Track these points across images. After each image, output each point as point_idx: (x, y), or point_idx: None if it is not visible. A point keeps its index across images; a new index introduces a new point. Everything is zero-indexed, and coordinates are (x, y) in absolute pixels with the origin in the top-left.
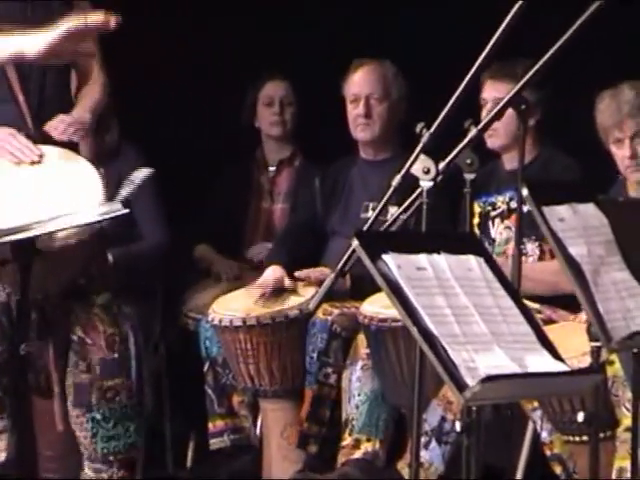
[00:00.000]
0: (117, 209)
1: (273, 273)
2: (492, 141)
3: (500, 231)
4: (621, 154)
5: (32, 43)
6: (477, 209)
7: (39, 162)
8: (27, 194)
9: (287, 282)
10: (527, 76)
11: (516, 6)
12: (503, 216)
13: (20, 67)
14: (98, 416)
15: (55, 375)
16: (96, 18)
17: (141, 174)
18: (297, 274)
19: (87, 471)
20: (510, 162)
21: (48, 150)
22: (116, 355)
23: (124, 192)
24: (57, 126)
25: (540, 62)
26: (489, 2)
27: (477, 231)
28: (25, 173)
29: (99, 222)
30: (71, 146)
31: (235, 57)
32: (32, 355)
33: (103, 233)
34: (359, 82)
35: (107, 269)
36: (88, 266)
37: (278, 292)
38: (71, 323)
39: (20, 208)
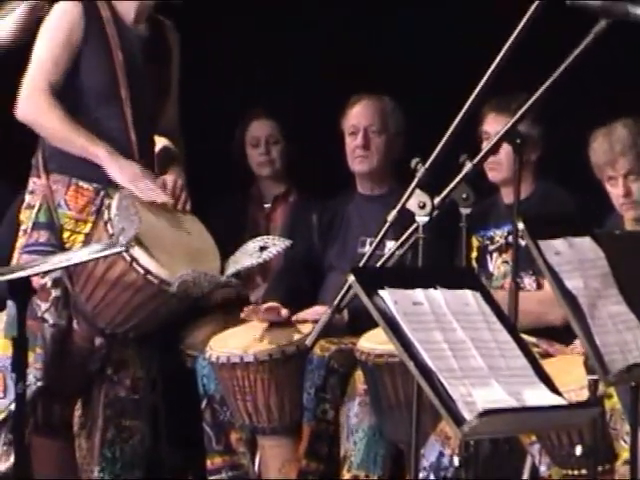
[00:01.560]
0: (117, 250)
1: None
2: (494, 175)
3: (498, 265)
4: (615, 192)
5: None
6: (475, 243)
7: (165, 205)
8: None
9: (284, 312)
10: (521, 110)
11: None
12: (501, 250)
13: (135, 102)
14: (109, 454)
15: (102, 410)
16: None
17: (281, 244)
18: (294, 318)
19: None
20: (509, 196)
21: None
22: (137, 397)
23: (261, 258)
24: (174, 191)
25: (534, 96)
26: (487, 3)
27: (475, 265)
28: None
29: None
30: None
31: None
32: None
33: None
34: (358, 115)
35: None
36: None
37: (277, 325)
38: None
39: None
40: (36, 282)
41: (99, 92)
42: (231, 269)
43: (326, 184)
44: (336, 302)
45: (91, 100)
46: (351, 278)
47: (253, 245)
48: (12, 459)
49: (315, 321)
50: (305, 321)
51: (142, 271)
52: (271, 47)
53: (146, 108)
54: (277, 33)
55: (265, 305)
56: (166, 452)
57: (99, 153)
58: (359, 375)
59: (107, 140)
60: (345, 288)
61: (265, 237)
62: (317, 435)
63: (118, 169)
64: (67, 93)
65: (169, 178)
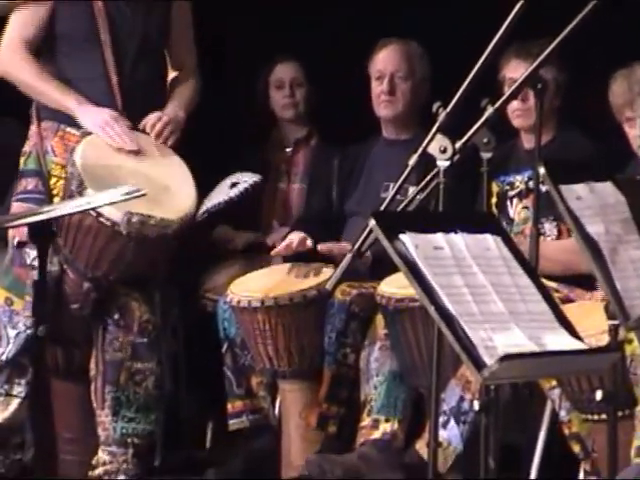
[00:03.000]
0: (137, 191)
1: (296, 234)
2: (521, 121)
3: (518, 211)
4: (633, 133)
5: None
6: (495, 189)
7: (137, 152)
8: (130, 178)
9: (309, 243)
10: (542, 56)
11: None
12: (521, 196)
13: (118, 49)
14: (123, 397)
15: (101, 354)
16: None
17: (249, 179)
18: (319, 247)
19: (101, 455)
20: (530, 142)
21: (146, 140)
22: (146, 340)
23: (233, 193)
24: (154, 123)
25: (556, 41)
26: (492, 2)
27: (495, 211)
28: (130, 164)
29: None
30: None
31: (251, 39)
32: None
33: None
34: (384, 60)
35: (165, 261)
36: (156, 257)
37: (298, 268)
38: (110, 306)
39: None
40: (23, 231)
41: (77, 38)
42: (202, 208)
43: (348, 128)
44: (357, 246)
45: (70, 46)
46: (372, 222)
47: (225, 183)
48: (11, 409)
49: (340, 257)
50: (331, 251)
51: (94, 214)
52: (288, 27)
53: (137, 49)
54: (294, 14)
55: (290, 239)
56: (186, 397)
57: (69, 104)
58: (380, 319)
59: (87, 85)
60: (366, 232)
61: (238, 174)
62: (337, 379)
63: (87, 117)
64: (46, 41)
65: (152, 116)
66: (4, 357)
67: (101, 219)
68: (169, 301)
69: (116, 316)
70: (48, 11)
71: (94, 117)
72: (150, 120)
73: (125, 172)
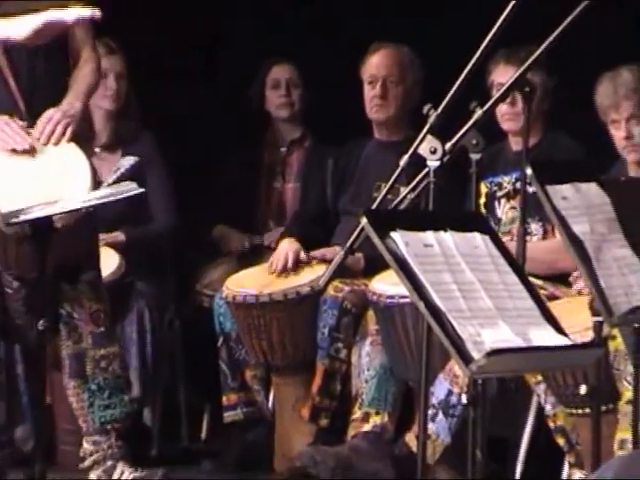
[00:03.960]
0: (132, 188)
1: (289, 246)
2: (511, 124)
3: (506, 211)
4: (618, 135)
5: (17, 28)
6: (484, 189)
7: (31, 151)
8: (23, 179)
9: (302, 255)
10: (530, 60)
11: None
12: (509, 196)
13: (9, 53)
14: (94, 386)
15: (65, 349)
16: (75, 11)
17: (127, 162)
18: (312, 253)
19: (86, 446)
20: (517, 144)
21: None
22: (102, 329)
23: (111, 179)
24: (44, 128)
25: (543, 46)
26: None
27: (484, 210)
28: (21, 160)
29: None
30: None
31: (245, 40)
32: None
33: (89, 218)
34: (377, 64)
35: (93, 250)
36: (76, 247)
37: (294, 266)
38: (60, 299)
39: (18, 192)
40: None
41: None
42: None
43: (342, 130)
44: (349, 244)
45: None
46: (364, 220)
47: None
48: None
49: (330, 260)
50: (324, 256)
51: None
52: (283, 29)
53: (29, 51)
54: (289, 16)
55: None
56: (183, 389)
57: None
58: (371, 315)
59: None
60: (358, 230)
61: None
62: (330, 373)
63: None
64: None
65: (41, 118)
66: None
67: None
68: (166, 296)
69: (68, 309)
70: None
71: None
72: (39, 124)
73: (19, 171)
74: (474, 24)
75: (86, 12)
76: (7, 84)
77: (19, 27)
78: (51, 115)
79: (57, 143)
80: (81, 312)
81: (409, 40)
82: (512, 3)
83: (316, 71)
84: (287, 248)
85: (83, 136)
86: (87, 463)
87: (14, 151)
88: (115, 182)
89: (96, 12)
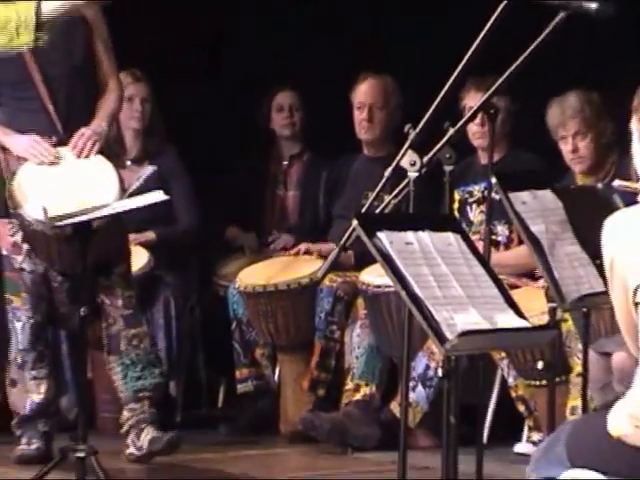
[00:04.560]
0: (159, 196)
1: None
2: (480, 142)
3: (476, 215)
4: (566, 149)
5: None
6: (457, 196)
7: (57, 163)
8: (61, 188)
9: (303, 248)
10: (493, 87)
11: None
12: (479, 202)
13: (50, 83)
14: (127, 361)
15: (104, 330)
16: None
17: (146, 172)
18: (312, 247)
19: (125, 414)
20: (485, 158)
21: (66, 151)
22: (132, 311)
23: (134, 186)
24: (76, 144)
25: (504, 75)
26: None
27: (457, 215)
28: (59, 171)
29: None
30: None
31: (249, 38)
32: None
33: (119, 220)
34: (364, 92)
35: (123, 246)
36: (109, 245)
37: (294, 261)
38: (97, 290)
39: (58, 199)
40: (8, 242)
41: (10, 81)
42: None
43: (335, 146)
44: (342, 242)
45: (6, 89)
46: (354, 222)
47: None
48: (42, 389)
49: (327, 255)
50: (320, 251)
51: (27, 224)
52: (289, 62)
53: (67, 81)
54: (294, 49)
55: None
56: (202, 365)
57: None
58: (360, 302)
59: (30, 118)
60: (350, 231)
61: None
62: (326, 351)
63: (14, 144)
64: None
65: (75, 136)
66: (20, 346)
67: (32, 227)
68: (189, 287)
69: (103, 297)
70: None
71: (18, 142)
72: (73, 141)
73: (52, 182)
74: (478, 22)
75: None
76: (47, 110)
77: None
78: (82, 133)
79: (87, 156)
80: (114, 299)
81: (412, 38)
82: (475, 44)
83: (315, 96)
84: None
85: (114, 152)
86: (125, 428)
87: (45, 164)
88: (137, 188)
89: None
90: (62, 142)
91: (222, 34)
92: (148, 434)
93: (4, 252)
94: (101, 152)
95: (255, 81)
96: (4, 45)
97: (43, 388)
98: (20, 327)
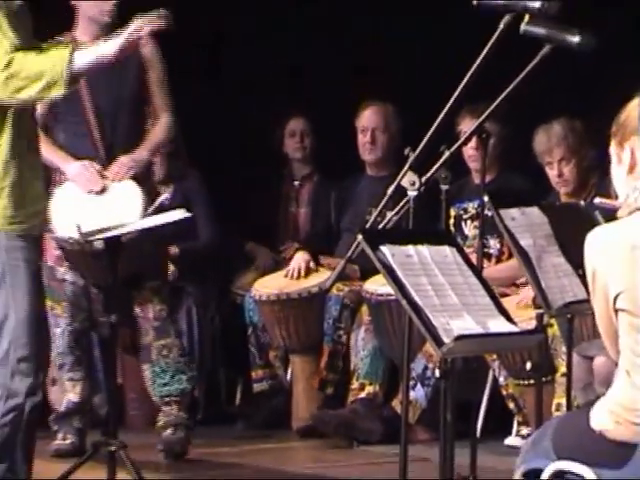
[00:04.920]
0: (180, 214)
1: (302, 257)
2: (474, 164)
3: (470, 229)
4: (552, 173)
5: (106, 48)
6: (453, 212)
7: (103, 189)
8: (94, 207)
9: (312, 264)
10: (484, 115)
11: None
12: (473, 218)
13: (97, 111)
14: (157, 369)
15: (140, 339)
16: (151, 19)
17: (162, 197)
18: (322, 261)
19: (159, 414)
20: (479, 178)
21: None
22: (161, 323)
23: (151, 208)
24: (113, 169)
25: (495, 103)
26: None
27: (453, 229)
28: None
29: (168, 224)
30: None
31: (249, 38)
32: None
33: (150, 238)
34: (367, 118)
35: (158, 263)
36: (138, 260)
37: (306, 272)
38: (131, 301)
39: (92, 217)
40: (52, 254)
41: (63, 106)
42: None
43: (342, 167)
44: (348, 255)
45: (64, 111)
46: (360, 237)
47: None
48: (77, 390)
49: (334, 267)
50: (329, 265)
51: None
52: (299, 91)
53: (113, 110)
54: (305, 80)
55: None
56: (220, 367)
57: (55, 161)
58: (365, 309)
59: (76, 142)
60: (355, 244)
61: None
62: (334, 354)
63: (67, 169)
64: (49, 115)
65: (117, 161)
66: (59, 350)
67: (65, 244)
68: (209, 297)
69: (137, 310)
70: None
71: (70, 169)
72: (113, 167)
73: (82, 203)
74: (478, 22)
75: (160, 17)
76: (93, 137)
77: (107, 47)
78: (120, 160)
79: (120, 180)
80: (146, 311)
81: (412, 38)
82: (468, 74)
83: (324, 122)
84: (300, 259)
85: (145, 176)
86: (160, 424)
87: (92, 192)
88: (154, 210)
89: (167, 14)
90: (104, 167)
91: (222, 34)
92: (167, 434)
93: (49, 263)
94: (134, 177)
95: (255, 81)
96: (35, 96)
97: (78, 389)
98: (59, 332)
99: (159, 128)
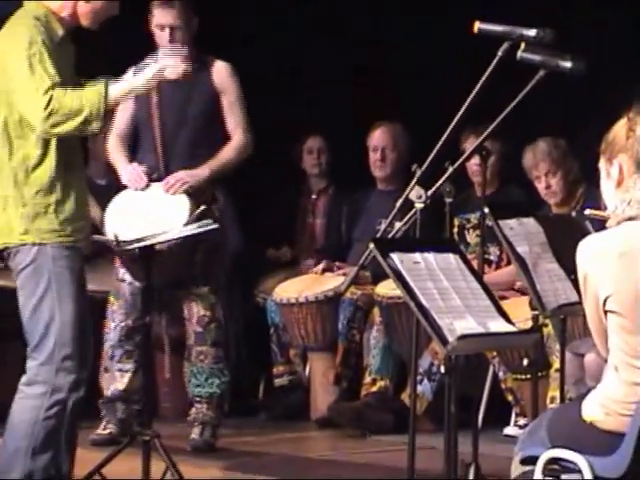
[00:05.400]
0: (210, 224)
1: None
2: (477, 178)
3: (473, 238)
4: (540, 186)
5: (137, 82)
6: (457, 222)
7: (143, 189)
8: (139, 217)
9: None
10: (483, 135)
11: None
12: (475, 227)
13: (162, 127)
14: (195, 370)
15: (166, 338)
16: (176, 62)
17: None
18: (337, 267)
19: (192, 411)
20: (480, 191)
21: (158, 186)
22: (201, 329)
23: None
24: (168, 181)
25: (493, 125)
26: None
27: (457, 238)
28: (134, 203)
29: (198, 234)
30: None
31: (257, 72)
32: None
33: (190, 245)
34: (377, 137)
35: (208, 272)
36: (180, 267)
37: (321, 277)
38: (178, 303)
39: (133, 225)
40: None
41: (141, 117)
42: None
43: (354, 182)
44: (361, 262)
45: (138, 123)
46: (371, 246)
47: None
48: (125, 380)
49: (348, 273)
50: (344, 271)
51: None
52: (316, 113)
53: (175, 127)
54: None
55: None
56: (245, 364)
57: (116, 166)
58: (376, 311)
59: (143, 156)
60: (367, 252)
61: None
62: (348, 351)
63: (121, 172)
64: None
65: (174, 175)
66: (111, 342)
67: (111, 246)
68: (234, 299)
69: (185, 312)
70: (129, 111)
71: (125, 173)
72: (169, 178)
73: (129, 211)
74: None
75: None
76: (156, 150)
77: (141, 79)
78: (178, 175)
79: (173, 193)
80: (190, 315)
81: (412, 38)
82: (469, 98)
83: (338, 140)
84: (319, 265)
85: (202, 189)
86: (189, 418)
87: (138, 189)
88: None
89: (184, 69)
90: (162, 179)
91: (222, 34)
92: (195, 433)
93: (116, 264)
94: (187, 191)
95: (255, 82)
96: (73, 131)
97: (126, 380)
98: (113, 327)
99: (229, 147)
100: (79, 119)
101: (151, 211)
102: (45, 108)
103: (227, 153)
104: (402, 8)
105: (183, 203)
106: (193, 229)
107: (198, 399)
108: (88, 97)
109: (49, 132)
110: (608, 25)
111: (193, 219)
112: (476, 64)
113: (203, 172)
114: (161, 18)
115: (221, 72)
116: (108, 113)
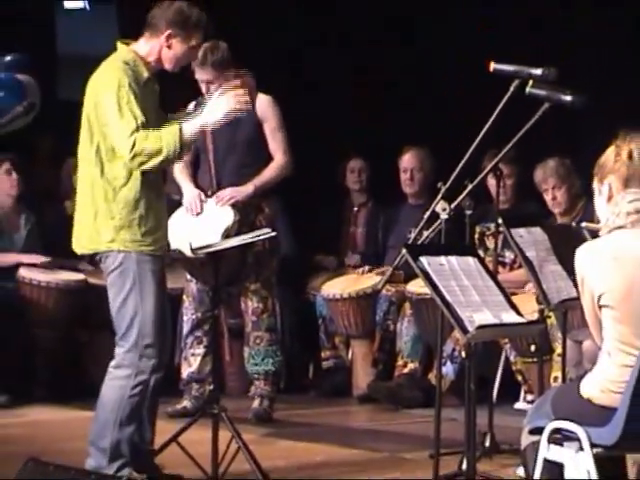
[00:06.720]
0: (267, 232)
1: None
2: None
3: (491, 244)
4: (548, 198)
5: (208, 119)
6: (478, 229)
7: (197, 214)
8: (197, 227)
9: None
10: (498, 157)
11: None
12: (494, 235)
13: (215, 151)
14: (253, 352)
15: (225, 327)
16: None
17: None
18: (375, 271)
19: (252, 388)
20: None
21: (210, 200)
22: (256, 318)
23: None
24: (218, 195)
25: (505, 149)
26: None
27: (478, 243)
28: (194, 219)
29: (256, 241)
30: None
31: (257, 72)
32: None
33: (240, 250)
34: (407, 160)
35: (260, 269)
36: (233, 268)
37: (362, 276)
38: (234, 299)
39: (194, 234)
40: None
41: (199, 150)
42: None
43: (389, 197)
44: (395, 264)
45: (197, 156)
46: (403, 250)
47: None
48: (195, 363)
49: (384, 273)
50: (381, 272)
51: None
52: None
53: (226, 150)
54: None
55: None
56: (297, 349)
57: (181, 186)
58: (407, 305)
59: (201, 176)
60: (400, 256)
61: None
62: (384, 339)
63: (184, 193)
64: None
65: (224, 190)
66: (184, 332)
67: (177, 255)
68: (288, 297)
69: (242, 305)
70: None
71: (186, 194)
72: (219, 194)
73: (191, 224)
74: (478, 23)
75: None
76: (210, 171)
77: (208, 118)
78: (226, 191)
79: (222, 205)
80: (247, 307)
81: (412, 39)
82: (486, 126)
83: (377, 163)
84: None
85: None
86: (250, 393)
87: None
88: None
89: (246, 100)
90: (214, 194)
91: (223, 34)
92: (255, 404)
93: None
94: (234, 204)
95: (255, 82)
96: (156, 168)
97: (197, 362)
98: (185, 320)
99: (271, 167)
100: (160, 158)
101: (200, 222)
102: (130, 151)
103: (269, 172)
104: (402, 8)
105: (228, 214)
106: (252, 237)
107: (256, 376)
108: (165, 138)
109: (135, 168)
110: (609, 61)
111: (232, 228)
112: (493, 96)
113: (247, 189)
114: (200, 75)
115: (263, 103)
116: (185, 148)
